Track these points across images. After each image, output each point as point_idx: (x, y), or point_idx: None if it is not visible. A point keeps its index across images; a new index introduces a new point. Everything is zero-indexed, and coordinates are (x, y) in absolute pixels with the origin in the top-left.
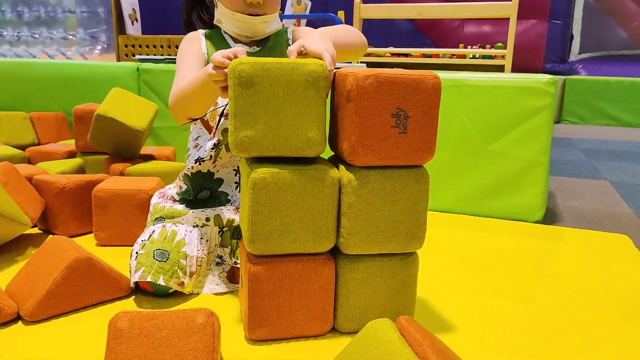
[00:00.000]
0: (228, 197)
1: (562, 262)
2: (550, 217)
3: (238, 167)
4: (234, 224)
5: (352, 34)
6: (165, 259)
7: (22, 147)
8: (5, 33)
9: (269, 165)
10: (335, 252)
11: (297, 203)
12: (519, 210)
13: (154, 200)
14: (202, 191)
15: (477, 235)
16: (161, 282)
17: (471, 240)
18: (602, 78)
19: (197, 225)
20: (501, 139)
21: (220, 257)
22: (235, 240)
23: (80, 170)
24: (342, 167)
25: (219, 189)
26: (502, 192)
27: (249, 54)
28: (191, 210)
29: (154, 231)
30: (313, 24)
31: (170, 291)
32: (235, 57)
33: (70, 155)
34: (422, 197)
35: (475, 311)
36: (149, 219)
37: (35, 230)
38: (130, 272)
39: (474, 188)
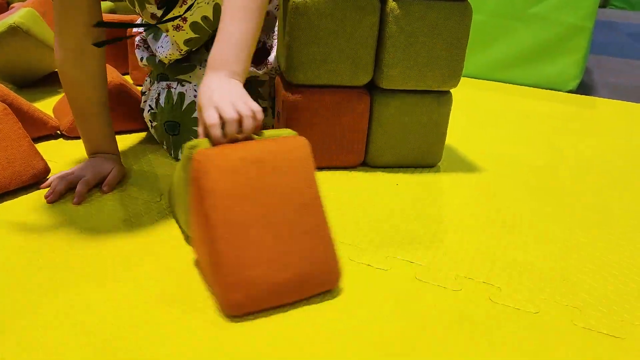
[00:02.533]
0: None
1: (592, 128)
2: (584, 87)
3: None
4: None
5: (249, 20)
6: (177, 132)
7: None
8: None
9: None
10: (371, 87)
11: (337, 31)
12: (554, 78)
13: (142, 54)
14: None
15: (507, 99)
16: (179, 156)
17: (500, 103)
18: None
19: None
20: (545, 1)
21: None
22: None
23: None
24: None
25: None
26: (539, 58)
27: None
28: (199, 67)
29: (159, 94)
30: None
31: None
32: None
33: None
34: (463, 33)
35: (498, 157)
36: (147, 65)
37: None
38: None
39: (509, 54)
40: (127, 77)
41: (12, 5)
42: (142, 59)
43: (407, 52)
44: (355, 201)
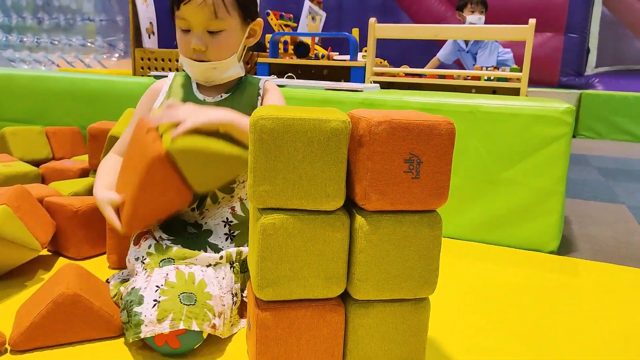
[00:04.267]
0: (219, 247)
1: (577, 298)
2: (565, 245)
3: (227, 218)
4: (242, 257)
5: None
6: (194, 302)
7: (37, 162)
8: (25, 39)
9: (279, 211)
10: (344, 297)
11: (307, 248)
12: (533, 240)
13: (148, 242)
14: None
15: (489, 267)
16: (195, 327)
17: (482, 272)
18: (619, 93)
19: (210, 265)
20: (515, 167)
21: (234, 294)
22: (242, 275)
23: (92, 190)
24: (353, 210)
25: (209, 240)
26: (516, 220)
27: (215, 102)
28: (203, 252)
29: (167, 274)
30: (328, 42)
31: (196, 346)
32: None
33: (84, 172)
34: (434, 243)
35: (485, 354)
36: (148, 260)
37: (45, 252)
38: (142, 324)
39: (486, 215)
40: (103, 258)
41: None
42: (135, 258)
43: (379, 264)
44: None
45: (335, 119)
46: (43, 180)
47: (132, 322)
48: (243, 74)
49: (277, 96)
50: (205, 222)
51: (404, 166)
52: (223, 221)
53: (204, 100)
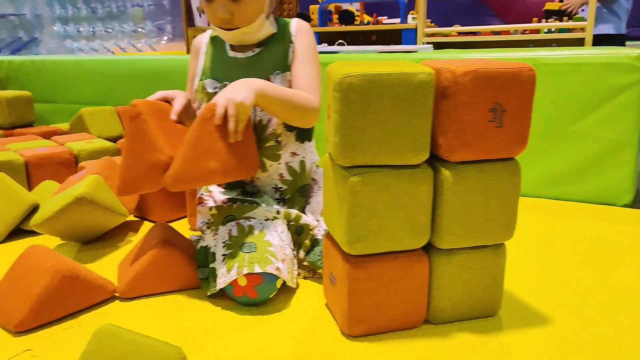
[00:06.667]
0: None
1: None
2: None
3: (276, 185)
4: (299, 221)
5: (296, 95)
6: (254, 249)
7: (112, 139)
8: (81, 29)
9: (366, 168)
10: (426, 247)
11: (394, 203)
12: (606, 193)
13: (210, 204)
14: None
15: (559, 221)
16: (257, 269)
17: (553, 226)
18: None
19: (268, 219)
20: (584, 119)
21: (292, 249)
22: (297, 237)
23: None
24: (434, 163)
25: (262, 205)
26: (587, 174)
27: (246, 58)
28: (262, 205)
29: (230, 230)
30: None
31: (272, 295)
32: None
33: None
34: (514, 189)
35: (561, 304)
36: (211, 220)
37: (131, 218)
38: (217, 277)
39: (555, 171)
40: (185, 221)
41: (80, 165)
42: (203, 223)
43: (463, 214)
44: None
45: (421, 71)
46: (120, 154)
47: (212, 277)
48: (275, 31)
49: (306, 42)
50: (257, 191)
51: (488, 115)
52: (273, 188)
53: (235, 57)
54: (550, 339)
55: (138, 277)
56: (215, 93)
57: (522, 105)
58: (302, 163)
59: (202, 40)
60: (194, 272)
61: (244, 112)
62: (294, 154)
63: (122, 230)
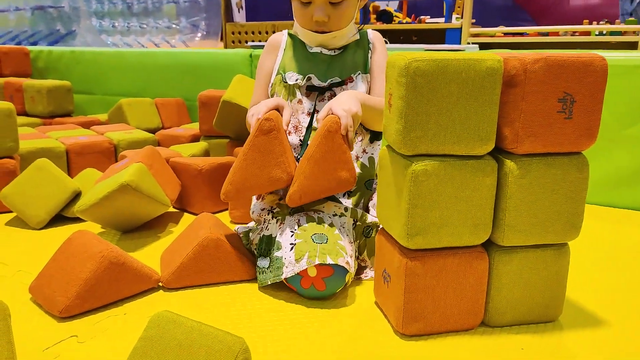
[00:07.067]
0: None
1: None
2: None
3: None
4: (366, 221)
5: (380, 102)
6: (325, 241)
7: (150, 131)
8: (116, 24)
9: (429, 157)
10: (486, 244)
11: (456, 195)
12: None
13: (274, 195)
14: None
15: (614, 228)
16: (329, 260)
17: (608, 233)
18: None
19: (336, 215)
20: (639, 124)
21: (355, 249)
22: (364, 238)
23: (206, 153)
24: (498, 155)
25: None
26: (638, 181)
27: (330, 55)
28: (329, 200)
29: (299, 220)
30: (409, 10)
31: (338, 290)
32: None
33: (194, 138)
34: (582, 186)
35: (625, 313)
36: (277, 210)
37: (172, 209)
38: (282, 267)
39: (606, 176)
40: (226, 213)
41: (122, 154)
42: (263, 210)
43: (527, 209)
44: None
45: (490, 58)
46: (159, 146)
47: (274, 266)
48: (358, 38)
49: (384, 52)
50: None
51: (557, 106)
52: None
53: (321, 52)
54: (617, 349)
55: (183, 267)
56: (296, 85)
57: (593, 97)
58: (371, 159)
59: (282, 38)
60: (239, 264)
61: (357, 121)
62: (364, 151)
63: (162, 221)
